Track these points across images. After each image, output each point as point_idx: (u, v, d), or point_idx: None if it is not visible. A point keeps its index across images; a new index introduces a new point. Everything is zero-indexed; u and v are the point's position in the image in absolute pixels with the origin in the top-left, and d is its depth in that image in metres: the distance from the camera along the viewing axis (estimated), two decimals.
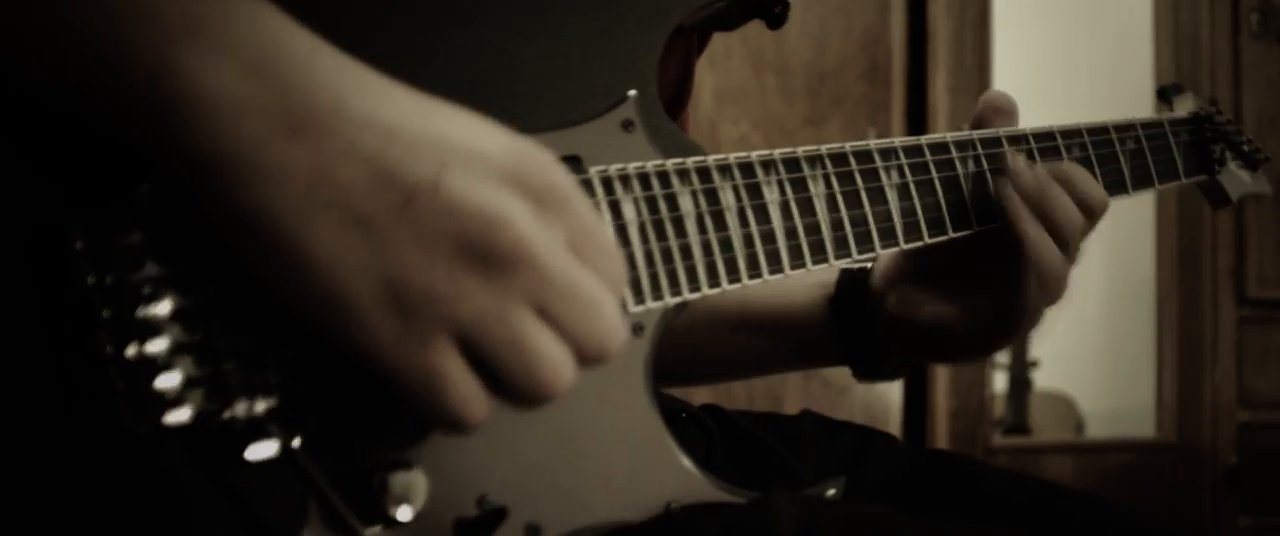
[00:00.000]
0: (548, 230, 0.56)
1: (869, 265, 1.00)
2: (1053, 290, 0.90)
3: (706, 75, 2.54)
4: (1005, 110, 0.93)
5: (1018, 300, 0.90)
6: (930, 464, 0.96)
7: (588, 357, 0.57)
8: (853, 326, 1.00)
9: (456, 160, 0.55)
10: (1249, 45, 3.21)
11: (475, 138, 0.56)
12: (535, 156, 0.57)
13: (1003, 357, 4.11)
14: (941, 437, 2.81)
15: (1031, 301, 0.90)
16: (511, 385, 0.56)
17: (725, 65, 2.58)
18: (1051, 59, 4.23)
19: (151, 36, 0.52)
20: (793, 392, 2.63)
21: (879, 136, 0.93)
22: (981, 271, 0.92)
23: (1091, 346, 4.44)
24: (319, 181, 0.53)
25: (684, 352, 1.02)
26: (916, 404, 2.82)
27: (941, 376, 2.82)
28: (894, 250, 0.90)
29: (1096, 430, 4.23)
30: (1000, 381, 4.06)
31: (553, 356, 0.56)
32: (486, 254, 0.54)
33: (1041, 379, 4.27)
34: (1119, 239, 4.20)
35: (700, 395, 1.11)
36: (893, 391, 2.76)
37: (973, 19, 2.89)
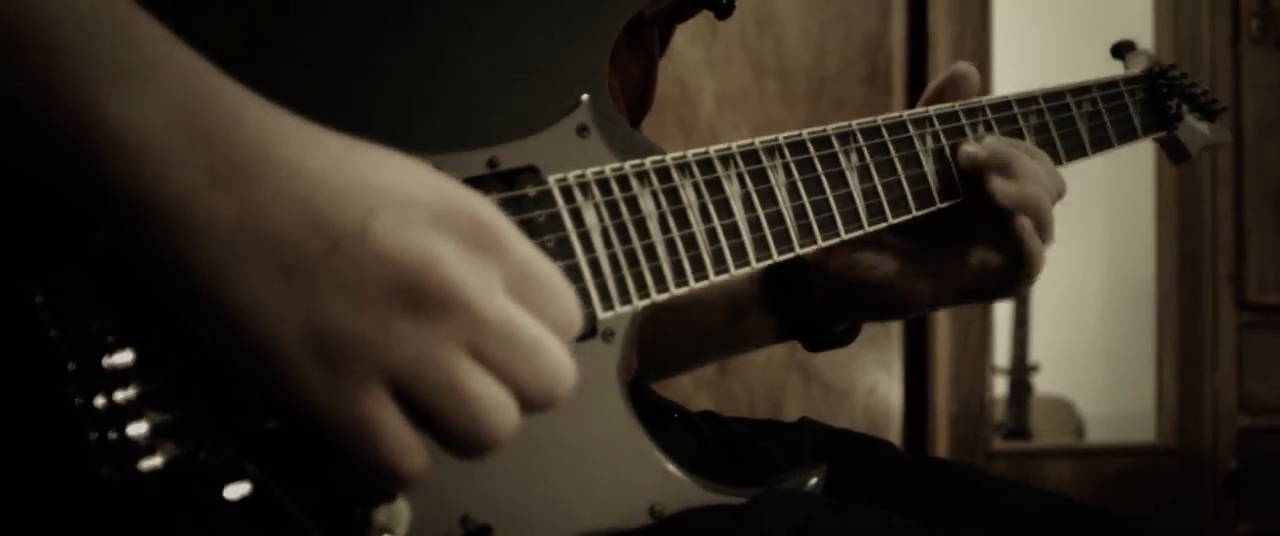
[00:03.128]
0: (480, 271, 0.55)
1: None
2: (1036, 258, 0.94)
3: (707, 80, 2.54)
4: (968, 80, 0.96)
5: (1015, 275, 0.93)
6: (931, 473, 0.96)
7: (532, 401, 0.56)
8: (791, 298, 1.01)
9: (384, 205, 0.54)
10: (1249, 50, 3.20)
11: (403, 183, 0.55)
12: (465, 199, 0.56)
13: (1003, 361, 4.11)
14: (942, 441, 2.81)
15: (1034, 257, 0.93)
16: (451, 431, 0.54)
17: (725, 70, 2.58)
18: (1052, 64, 4.21)
19: (78, 82, 0.52)
20: (793, 397, 2.63)
21: None
22: (953, 234, 0.95)
23: (1092, 351, 4.44)
24: (244, 231, 0.52)
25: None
26: (917, 408, 2.81)
27: (942, 381, 2.82)
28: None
29: (1097, 434, 4.22)
30: (1001, 386, 4.06)
31: (492, 398, 0.54)
32: (416, 297, 0.53)
33: (1042, 383, 4.27)
34: (1119, 243, 4.20)
35: (698, 401, 1.10)
36: (893, 395, 2.76)
37: (973, 24, 2.89)
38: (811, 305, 1.01)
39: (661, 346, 1.05)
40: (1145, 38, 3.42)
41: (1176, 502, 3.15)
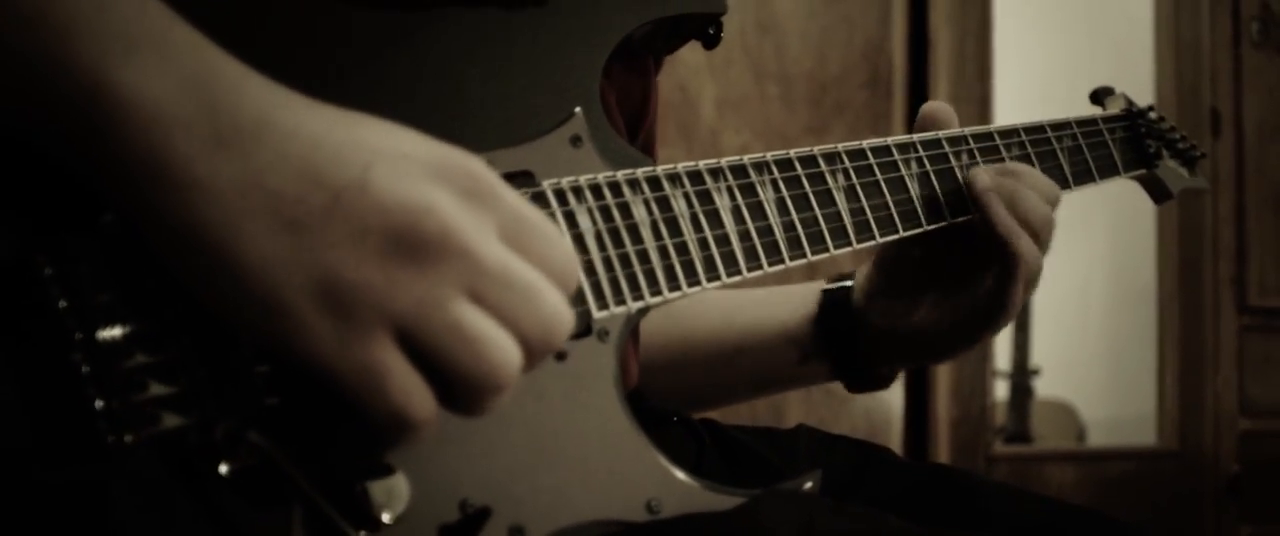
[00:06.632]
0: (476, 219, 0.57)
1: (850, 283, 1.04)
2: (1033, 281, 0.96)
3: (708, 84, 2.54)
4: (943, 121, 0.97)
5: (1003, 295, 0.95)
6: (929, 479, 0.96)
7: (533, 345, 0.58)
8: (840, 344, 1.04)
9: (381, 159, 0.56)
10: (1250, 54, 3.21)
11: (398, 141, 0.58)
12: (458, 154, 0.58)
13: (1004, 365, 4.11)
14: (943, 446, 2.81)
15: (1015, 293, 0.95)
16: (456, 373, 0.56)
17: (726, 74, 2.58)
18: (1053, 68, 4.23)
19: (89, 52, 0.54)
20: (794, 403, 2.63)
21: None
22: (958, 273, 0.97)
23: (1093, 354, 4.45)
24: (247, 190, 0.54)
25: (684, 386, 1.04)
26: (918, 413, 2.82)
27: (943, 385, 2.82)
28: (868, 269, 0.98)
29: (1098, 438, 4.23)
30: (1002, 389, 4.06)
31: (495, 338, 0.56)
32: (416, 244, 0.55)
33: (1043, 387, 4.27)
34: (1121, 247, 4.20)
35: None
36: (894, 401, 2.76)
37: (974, 28, 2.90)
38: (859, 352, 1.04)
39: (720, 381, 1.09)
40: (1146, 41, 3.43)
41: (1178, 506, 3.15)
